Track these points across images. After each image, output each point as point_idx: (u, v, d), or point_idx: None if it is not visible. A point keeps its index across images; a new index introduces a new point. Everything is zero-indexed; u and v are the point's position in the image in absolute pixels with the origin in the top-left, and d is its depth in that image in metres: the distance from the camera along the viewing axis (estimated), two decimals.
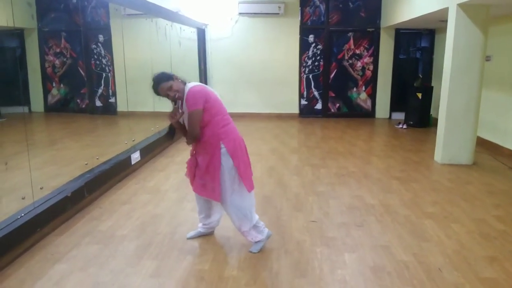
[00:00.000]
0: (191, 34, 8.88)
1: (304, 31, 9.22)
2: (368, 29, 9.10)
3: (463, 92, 5.30)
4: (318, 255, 3.03)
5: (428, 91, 8.25)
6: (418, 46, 9.33)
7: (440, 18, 6.47)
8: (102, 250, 3.09)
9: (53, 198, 3.48)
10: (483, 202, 4.15)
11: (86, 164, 4.38)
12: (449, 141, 5.47)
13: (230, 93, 9.22)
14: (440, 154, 5.58)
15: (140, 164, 5.35)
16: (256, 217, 3.05)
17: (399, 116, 9.10)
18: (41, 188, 3.54)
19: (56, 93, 10.07)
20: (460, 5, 5.07)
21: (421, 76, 8.55)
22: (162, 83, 2.73)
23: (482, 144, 6.39)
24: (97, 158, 4.62)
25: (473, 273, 2.79)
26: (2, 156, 5.81)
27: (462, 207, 4.01)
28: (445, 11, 5.46)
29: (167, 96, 2.76)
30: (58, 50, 9.89)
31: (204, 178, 2.92)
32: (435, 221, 3.65)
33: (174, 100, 2.83)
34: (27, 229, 3.08)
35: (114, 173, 4.60)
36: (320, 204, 4.07)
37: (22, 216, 3.12)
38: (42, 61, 9.94)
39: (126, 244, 3.18)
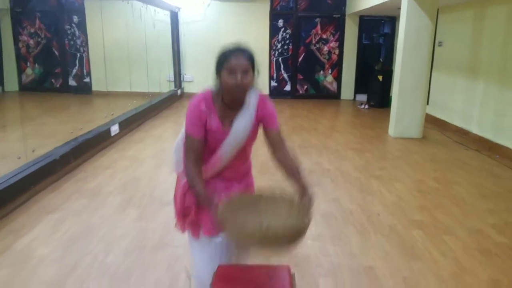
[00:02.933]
0: (165, 16, 9.18)
1: (274, 16, 9.66)
2: (334, 15, 9.62)
3: (413, 72, 5.91)
4: None
5: (388, 74, 8.87)
6: (381, 32, 9.95)
7: (398, 6, 7.04)
8: (90, 203, 3.52)
9: (43, 160, 3.88)
10: (424, 167, 4.78)
11: (72, 132, 4.76)
12: (400, 117, 6.09)
13: (202, 74, 9.56)
14: (393, 128, 6.20)
15: (119, 136, 5.73)
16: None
17: (363, 97, 9.73)
18: (33, 151, 3.92)
19: (30, 72, 10.19)
20: None
21: (381, 60, 9.16)
22: (253, 58, 1.75)
23: (433, 122, 7.08)
24: (81, 128, 4.99)
25: (405, 217, 3.38)
26: None
27: (406, 170, 4.63)
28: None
29: (238, 73, 1.67)
30: (32, 30, 10.00)
31: None
32: (380, 181, 4.25)
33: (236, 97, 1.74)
34: (22, 185, 3.48)
35: (96, 142, 5.00)
36: None
37: (17, 174, 3.52)
38: (16, 41, 10.02)
39: (112, 198, 3.63)
